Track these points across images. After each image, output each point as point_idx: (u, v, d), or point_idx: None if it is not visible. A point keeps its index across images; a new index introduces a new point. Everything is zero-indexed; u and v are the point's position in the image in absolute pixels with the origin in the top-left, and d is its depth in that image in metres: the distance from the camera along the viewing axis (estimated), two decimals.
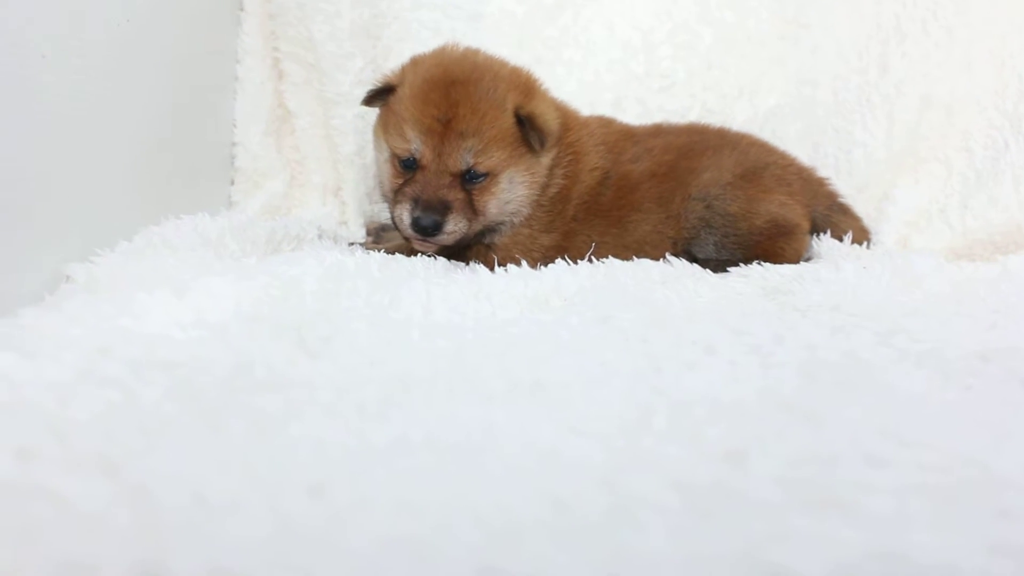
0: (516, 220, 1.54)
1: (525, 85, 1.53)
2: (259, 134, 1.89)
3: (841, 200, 1.72)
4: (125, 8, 1.40)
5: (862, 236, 1.70)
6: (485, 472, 0.61)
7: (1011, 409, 0.78)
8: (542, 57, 1.90)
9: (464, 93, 1.44)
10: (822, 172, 1.75)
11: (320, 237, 1.70)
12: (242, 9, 1.90)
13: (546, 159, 1.53)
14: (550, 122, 1.51)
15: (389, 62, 1.84)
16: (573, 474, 0.61)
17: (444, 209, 1.43)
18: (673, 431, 0.69)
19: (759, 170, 1.59)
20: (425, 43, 1.79)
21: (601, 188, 1.58)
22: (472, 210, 1.47)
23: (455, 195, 1.45)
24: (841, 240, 1.61)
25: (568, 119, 1.60)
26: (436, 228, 1.42)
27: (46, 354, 0.82)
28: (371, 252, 1.45)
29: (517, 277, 1.30)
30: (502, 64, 1.54)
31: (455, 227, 1.44)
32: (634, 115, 1.89)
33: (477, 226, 1.50)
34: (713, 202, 1.55)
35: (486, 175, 1.47)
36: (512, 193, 1.50)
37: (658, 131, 1.69)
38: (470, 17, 1.90)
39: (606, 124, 1.68)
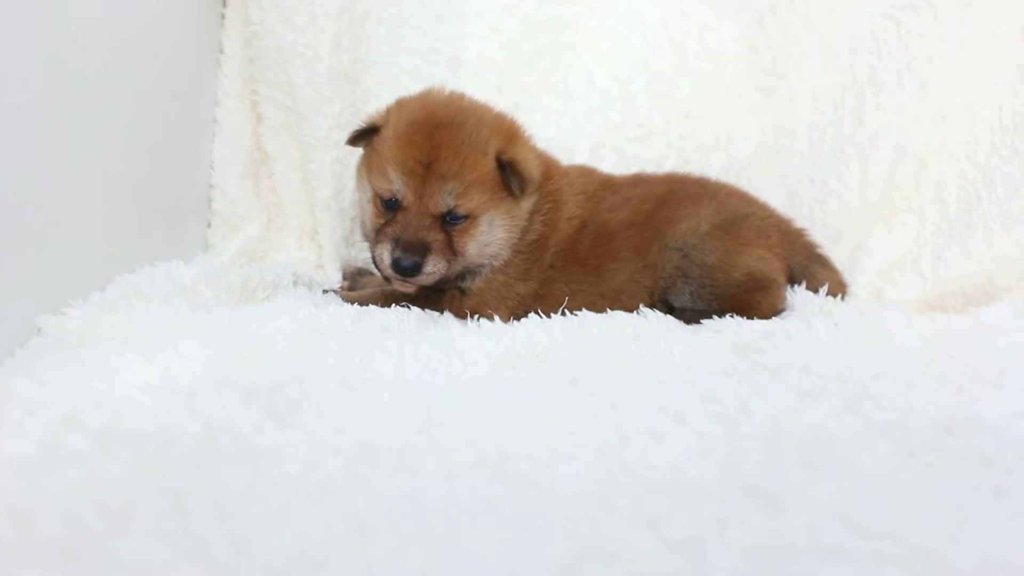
0: (495, 263, 1.55)
1: (508, 131, 1.54)
2: (237, 177, 1.89)
3: (819, 251, 1.74)
4: (103, 55, 1.41)
5: (838, 289, 1.71)
6: (447, 563, 0.62)
7: (969, 491, 0.79)
8: (520, 104, 1.92)
9: (447, 136, 1.46)
10: (798, 222, 1.76)
11: (295, 284, 1.70)
12: (222, 52, 1.91)
13: (526, 204, 1.54)
14: (531, 168, 1.53)
15: (368, 106, 1.86)
16: (535, 565, 0.61)
17: (424, 250, 1.44)
18: (635, 514, 0.70)
19: (738, 221, 1.60)
20: (404, 88, 1.80)
21: (579, 237, 1.59)
22: (452, 251, 1.48)
23: (435, 236, 1.46)
24: (817, 291, 1.62)
25: (549, 167, 1.62)
26: (416, 269, 1.44)
27: (13, 424, 0.83)
28: (345, 305, 1.46)
29: (490, 333, 1.31)
30: (486, 109, 1.56)
31: (434, 268, 1.46)
32: (611, 163, 1.91)
33: (457, 267, 1.51)
34: (690, 252, 1.56)
35: (466, 217, 1.48)
36: (492, 236, 1.52)
37: (637, 181, 1.70)
38: (449, 62, 1.92)
39: (586, 174, 1.70)
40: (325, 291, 1.66)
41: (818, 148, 1.92)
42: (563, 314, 1.45)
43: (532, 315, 1.44)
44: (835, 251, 1.83)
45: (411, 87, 1.76)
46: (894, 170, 1.89)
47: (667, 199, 1.63)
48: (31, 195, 1.22)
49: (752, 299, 1.55)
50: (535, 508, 0.72)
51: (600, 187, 1.66)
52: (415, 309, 1.50)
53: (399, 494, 0.74)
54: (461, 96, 1.58)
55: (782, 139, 1.95)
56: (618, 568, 0.61)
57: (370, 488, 0.76)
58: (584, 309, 1.49)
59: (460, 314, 1.55)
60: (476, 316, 1.50)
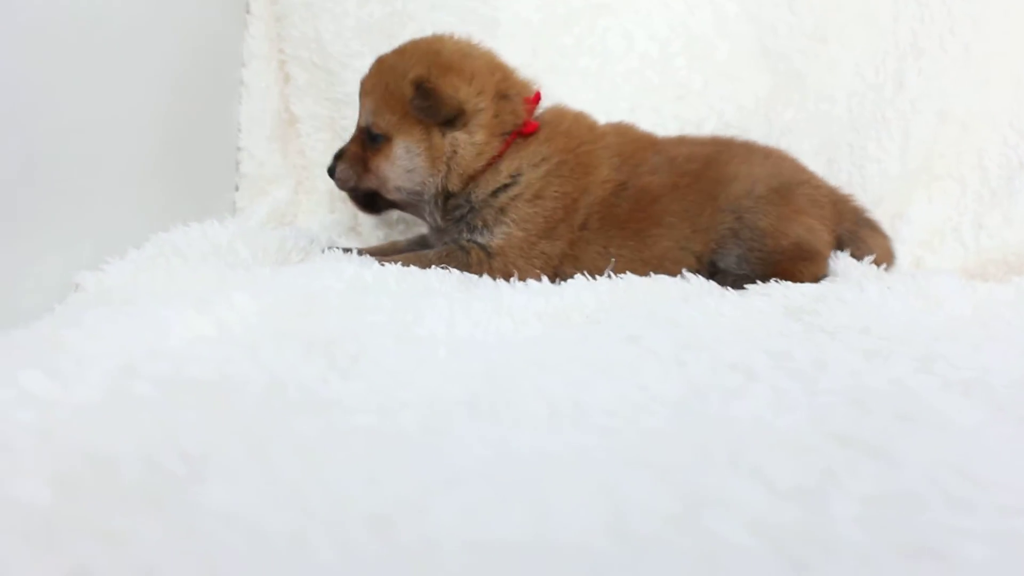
0: (426, 195, 1.57)
1: (446, 63, 1.52)
2: (264, 139, 1.86)
3: (867, 215, 1.69)
4: (136, 13, 1.37)
5: (887, 256, 1.65)
6: (552, 509, 0.58)
7: None
8: (557, 65, 1.88)
9: (386, 61, 1.57)
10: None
11: (327, 249, 1.67)
12: (248, 12, 1.87)
13: (467, 140, 1.53)
14: (453, 99, 1.49)
15: None
16: (646, 514, 0.58)
17: (339, 156, 1.60)
18: (735, 465, 0.66)
19: (792, 187, 1.56)
20: None
21: (616, 199, 1.55)
22: (364, 165, 1.57)
23: (353, 148, 1.59)
24: (862, 258, 1.58)
25: (575, 126, 1.59)
26: (331, 172, 1.60)
27: (71, 373, 0.79)
28: (386, 264, 1.42)
29: (538, 293, 1.28)
30: (458, 48, 1.58)
31: (343, 174, 1.59)
32: (649, 124, 1.84)
33: (371, 183, 1.58)
34: (744, 214, 1.52)
35: (382, 137, 1.54)
36: (410, 163, 1.54)
37: (682, 140, 1.66)
38: (486, 23, 1.88)
39: (622, 132, 1.65)
40: (360, 253, 1.62)
41: (857, 113, 1.89)
42: (608, 276, 1.41)
43: (578, 276, 1.40)
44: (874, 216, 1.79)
45: None
46: (935, 136, 1.86)
47: (715, 159, 1.58)
48: (66, 152, 1.20)
49: (795, 268, 1.50)
50: (629, 458, 0.68)
51: (640, 147, 1.61)
52: (454, 271, 1.46)
53: (484, 443, 0.70)
54: (455, 39, 1.60)
55: (823, 105, 1.91)
56: (737, 516, 0.57)
57: (452, 439, 0.72)
58: (607, 271, 1.45)
59: (491, 274, 1.52)
60: (510, 278, 1.48)
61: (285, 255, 1.55)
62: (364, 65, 1.82)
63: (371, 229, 1.92)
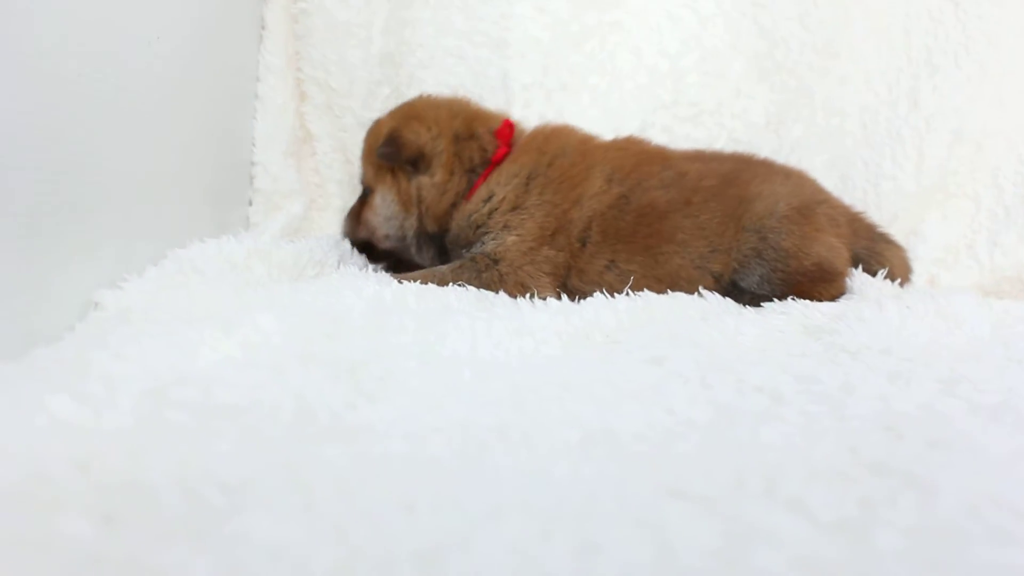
0: (408, 238, 1.69)
1: (412, 113, 1.65)
2: (280, 155, 1.86)
3: (880, 230, 1.70)
4: (155, 25, 1.37)
5: (904, 269, 1.67)
6: (597, 543, 0.58)
7: None
8: (568, 84, 1.88)
9: (377, 122, 1.72)
10: (851, 206, 1.72)
11: (340, 263, 1.67)
12: (264, 27, 1.87)
13: (429, 182, 1.63)
14: (412, 143, 1.61)
15: (412, 90, 1.83)
16: (691, 549, 0.57)
17: (347, 215, 1.77)
18: (773, 496, 0.66)
19: (813, 207, 1.55)
20: (449, 70, 1.78)
21: (617, 212, 1.56)
22: (358, 219, 1.73)
23: (355, 204, 1.75)
24: (885, 272, 1.59)
25: (545, 143, 1.64)
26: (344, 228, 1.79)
27: (101, 398, 0.79)
28: (404, 283, 1.43)
29: (557, 312, 1.27)
30: (430, 102, 1.70)
31: (343, 227, 1.78)
32: (660, 143, 1.86)
33: (363, 234, 1.74)
34: (768, 234, 1.51)
35: (368, 190, 1.71)
36: (387, 210, 1.68)
37: (698, 156, 1.66)
38: (495, 44, 1.88)
39: (624, 147, 1.66)
40: (375, 269, 1.63)
41: (871, 130, 1.89)
42: (626, 294, 1.41)
43: (596, 295, 1.41)
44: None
45: (456, 70, 1.75)
46: (950, 154, 1.86)
47: (735, 177, 1.57)
48: (84, 168, 1.19)
49: (815, 289, 1.50)
50: (666, 486, 0.68)
51: (643, 161, 1.62)
52: (471, 288, 1.47)
53: (521, 472, 0.70)
54: (436, 97, 1.72)
55: (833, 120, 1.91)
56: (782, 551, 0.57)
57: (488, 466, 0.72)
58: (625, 290, 1.46)
59: (506, 287, 1.52)
60: (526, 291, 1.49)
61: (300, 270, 1.55)
62: (384, 94, 1.85)
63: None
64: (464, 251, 1.62)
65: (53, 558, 0.53)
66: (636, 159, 1.61)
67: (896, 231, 1.84)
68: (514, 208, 1.57)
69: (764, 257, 1.51)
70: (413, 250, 1.70)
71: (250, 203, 1.86)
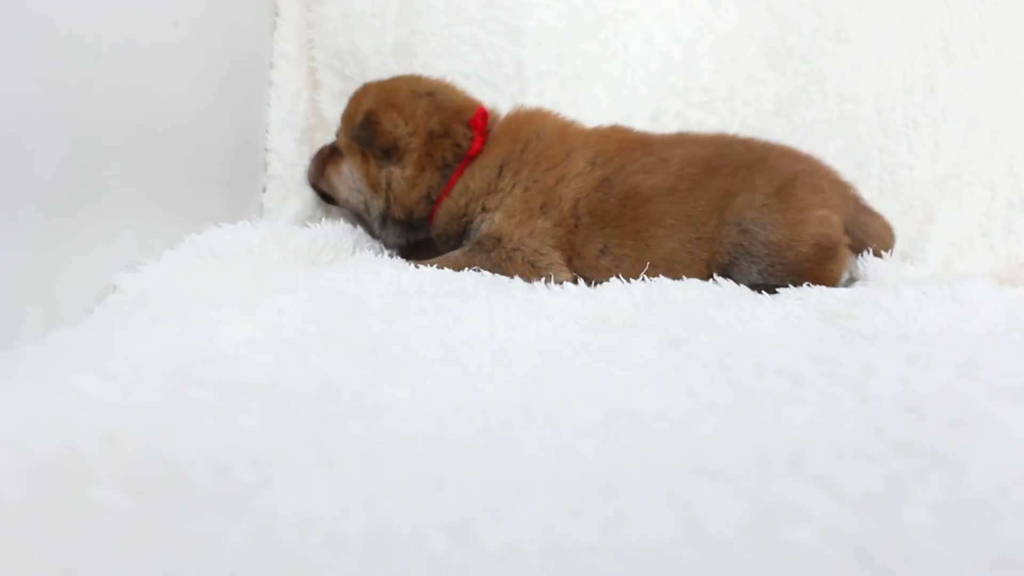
0: (371, 215, 1.73)
1: (394, 101, 1.66)
2: (293, 142, 1.85)
3: (860, 200, 1.68)
4: (170, 12, 1.37)
5: (887, 233, 1.66)
6: (627, 517, 0.58)
7: None
8: (582, 73, 1.88)
9: (365, 87, 1.74)
10: (866, 192, 1.71)
11: (355, 248, 1.67)
12: (277, 14, 1.86)
13: (399, 174, 1.66)
14: (388, 133, 1.63)
15: None
16: (721, 523, 0.58)
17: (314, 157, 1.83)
18: (799, 473, 0.66)
19: (790, 182, 1.54)
20: (463, 58, 1.78)
21: (601, 195, 1.57)
22: (322, 170, 1.80)
23: (325, 149, 1.81)
24: (865, 244, 1.60)
25: (517, 132, 1.65)
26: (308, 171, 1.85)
27: (125, 376, 0.79)
28: (421, 267, 1.43)
29: (574, 296, 1.28)
30: (414, 88, 1.69)
31: (309, 167, 1.85)
32: (673, 130, 1.85)
33: (324, 187, 1.81)
34: (750, 227, 1.51)
35: (339, 151, 1.75)
36: (353, 183, 1.73)
37: (680, 140, 1.66)
38: (509, 32, 1.87)
39: (606, 134, 1.68)
40: (391, 255, 1.64)
41: (887, 117, 1.88)
42: (643, 279, 1.41)
43: (613, 280, 1.41)
44: (904, 222, 1.80)
45: (470, 58, 1.75)
46: (965, 142, 1.85)
47: (718, 166, 1.57)
48: (103, 152, 1.19)
49: (823, 271, 1.49)
50: (692, 464, 0.68)
51: (624, 146, 1.63)
52: (486, 273, 1.47)
53: (547, 450, 0.70)
54: (422, 82, 1.74)
55: (846, 105, 1.90)
56: (811, 525, 0.57)
57: (513, 444, 0.72)
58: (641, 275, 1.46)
59: (517, 267, 1.53)
60: (538, 272, 1.52)
61: (315, 255, 1.56)
62: None
63: None
64: (454, 243, 1.66)
65: (88, 526, 0.53)
66: (617, 145, 1.63)
67: (911, 219, 1.85)
68: (488, 192, 1.61)
69: (755, 254, 1.51)
70: (376, 226, 1.73)
71: (264, 189, 1.86)
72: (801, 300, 1.34)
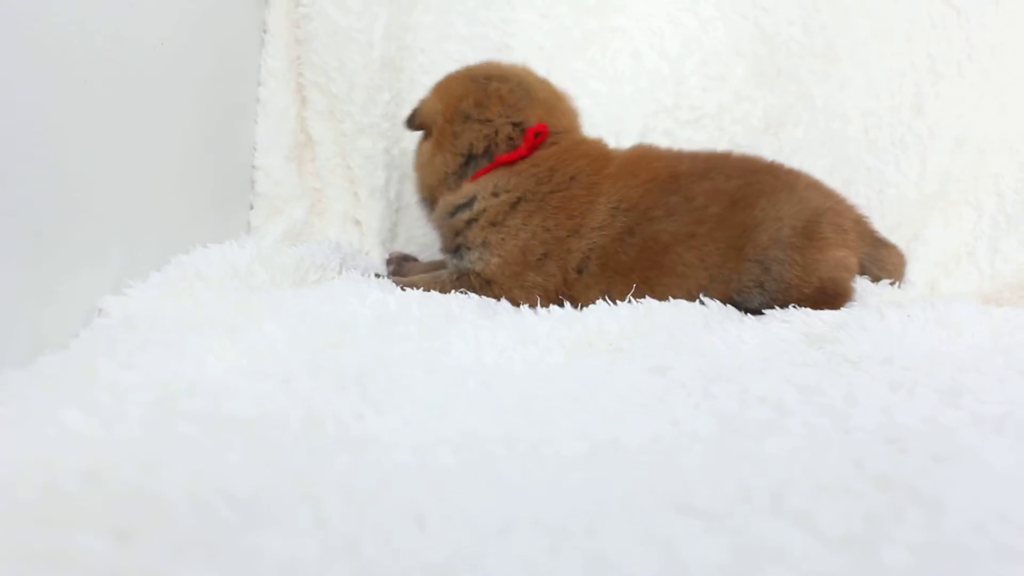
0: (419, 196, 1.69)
1: (442, 81, 1.67)
2: (281, 159, 1.86)
3: (875, 233, 1.69)
4: (158, 30, 1.38)
5: (901, 264, 1.70)
6: (608, 559, 0.59)
7: None
8: (570, 90, 1.88)
9: None
10: None
11: (343, 268, 1.67)
12: (265, 31, 1.87)
13: (425, 150, 1.65)
14: (420, 110, 1.65)
15: (413, 95, 1.83)
16: (701, 565, 0.58)
17: None
18: (780, 510, 0.67)
19: (817, 219, 1.50)
20: None
21: (619, 246, 1.50)
22: None
23: None
24: (888, 277, 1.62)
25: (554, 164, 1.56)
26: None
27: (109, 408, 0.80)
28: (407, 290, 1.44)
29: (560, 320, 1.28)
30: (466, 72, 1.67)
31: None
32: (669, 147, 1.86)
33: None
34: (772, 265, 1.47)
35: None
36: (420, 157, 1.68)
37: (708, 170, 1.55)
38: (497, 49, 1.89)
39: (632, 168, 1.57)
40: (377, 275, 1.64)
41: (874, 135, 1.89)
42: (629, 301, 1.41)
43: (600, 302, 1.39)
44: (891, 240, 1.80)
45: None
46: (952, 161, 1.87)
47: (740, 197, 1.51)
48: (88, 172, 1.20)
49: (816, 308, 1.44)
50: (673, 500, 0.69)
51: (651, 187, 1.53)
52: (473, 295, 1.48)
53: (530, 485, 0.71)
54: (478, 66, 1.69)
55: (834, 123, 1.92)
56: (790, 568, 0.58)
57: (496, 479, 0.73)
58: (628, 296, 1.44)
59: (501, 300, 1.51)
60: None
61: (302, 275, 1.56)
62: (384, 99, 1.86)
63: (381, 252, 1.93)
64: (448, 254, 1.63)
65: (73, 574, 0.54)
66: (643, 187, 1.53)
67: (898, 237, 1.85)
68: (493, 224, 1.54)
69: (765, 288, 1.48)
70: (426, 214, 1.72)
71: (251, 207, 1.86)
72: (787, 323, 1.35)
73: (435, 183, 1.63)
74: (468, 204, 1.57)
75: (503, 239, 1.53)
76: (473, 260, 1.56)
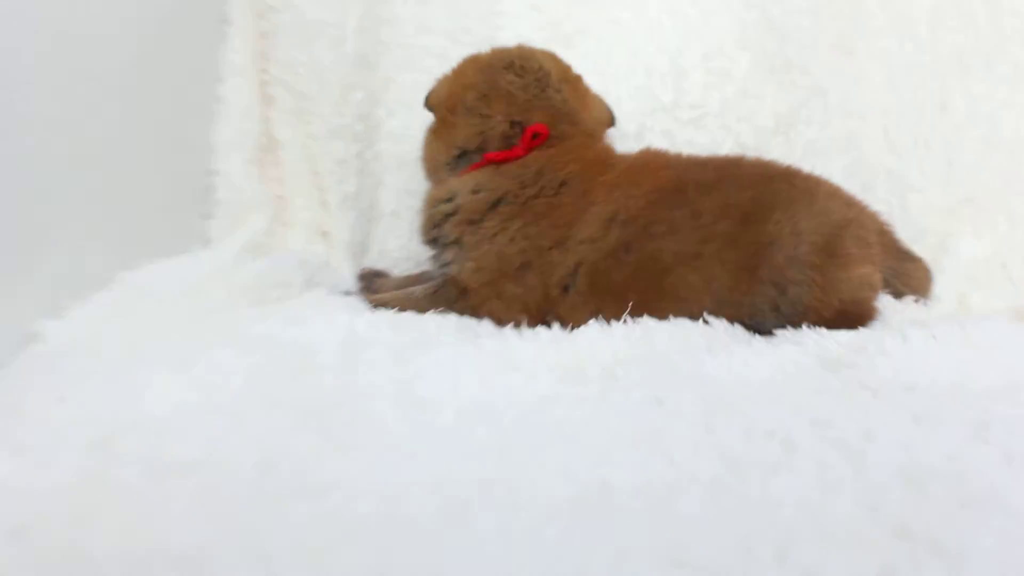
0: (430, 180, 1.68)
1: (456, 67, 1.68)
2: (243, 163, 1.85)
3: (899, 244, 1.68)
4: (105, 22, 1.37)
5: (927, 279, 1.69)
6: None
7: None
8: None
9: None
10: None
11: (308, 283, 1.66)
12: (227, 23, 1.86)
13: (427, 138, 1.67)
14: (432, 96, 1.67)
15: (388, 94, 1.83)
16: None
17: None
18: (785, 566, 0.66)
19: (839, 233, 1.46)
20: (430, 72, 1.76)
21: (613, 263, 1.48)
22: None
23: None
24: (912, 293, 1.61)
25: (543, 167, 1.55)
26: None
27: (42, 451, 0.79)
28: (378, 310, 1.43)
29: (548, 343, 1.27)
30: (478, 57, 1.68)
31: None
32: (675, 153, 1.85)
33: None
34: (788, 287, 1.44)
35: None
36: (424, 142, 1.69)
37: (718, 180, 1.52)
38: (482, 43, 1.85)
39: (634, 176, 1.55)
40: (346, 293, 1.63)
41: (895, 135, 1.88)
42: (624, 321, 1.40)
43: (592, 323, 1.38)
44: (916, 252, 1.78)
45: (438, 70, 1.73)
46: (982, 163, 1.85)
47: (753, 211, 1.47)
48: (24, 180, 1.18)
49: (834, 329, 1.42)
50: (668, 556, 0.68)
51: (655, 199, 1.50)
52: (452, 316, 1.47)
53: (508, 535, 0.70)
54: (497, 51, 1.69)
55: (850, 123, 1.90)
56: None
57: (469, 529, 0.72)
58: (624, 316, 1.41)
59: (483, 318, 1.51)
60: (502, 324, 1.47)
61: (263, 293, 1.54)
62: (357, 99, 1.84)
63: (352, 267, 1.92)
64: (428, 246, 1.63)
65: None
66: (645, 198, 1.50)
67: (923, 247, 1.83)
68: (470, 222, 1.53)
69: (781, 311, 1.44)
70: None
71: (208, 217, 1.85)
72: (799, 345, 1.33)
73: (431, 171, 1.65)
74: (449, 199, 1.56)
75: (478, 240, 1.52)
76: (448, 260, 1.55)
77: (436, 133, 1.64)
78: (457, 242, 1.54)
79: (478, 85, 1.60)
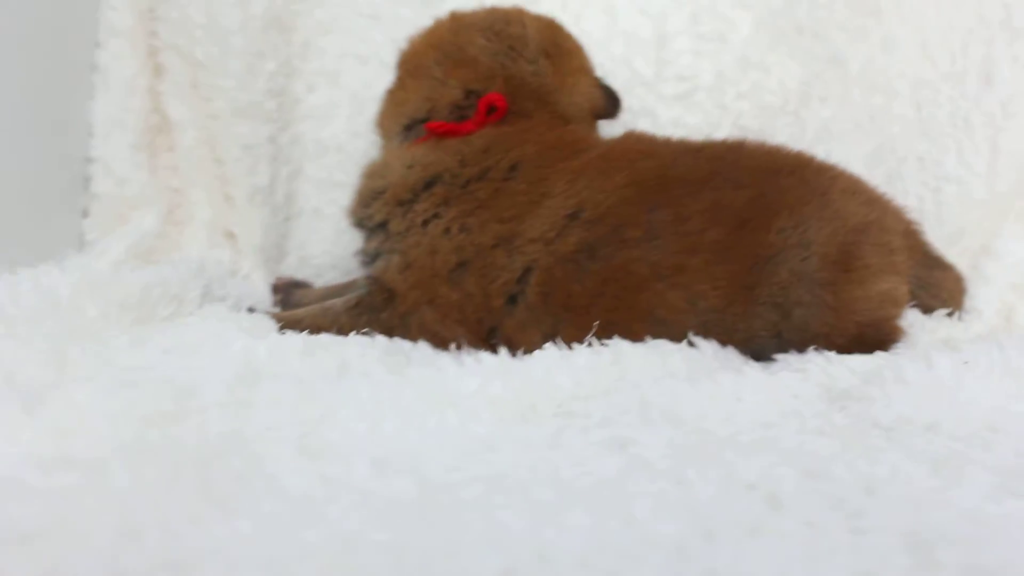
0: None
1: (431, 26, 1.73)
2: (127, 148, 1.85)
3: (928, 248, 1.69)
4: None
5: (960, 290, 1.71)
6: None
7: None
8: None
9: None
10: None
11: (205, 297, 1.66)
12: None
13: (387, 110, 1.71)
14: (400, 55, 1.72)
15: (307, 64, 1.84)
16: None
17: None
18: None
19: (857, 240, 1.46)
20: (360, 36, 1.78)
21: (573, 269, 1.47)
22: None
23: None
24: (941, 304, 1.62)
25: (491, 144, 1.56)
26: None
27: None
28: (287, 332, 1.43)
29: (494, 373, 1.27)
30: (450, 18, 1.73)
31: None
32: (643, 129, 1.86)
33: None
34: (793, 309, 1.45)
35: None
36: None
37: (712, 175, 1.50)
38: (426, 3, 1.87)
39: (607, 165, 1.54)
40: (250, 309, 1.62)
41: (929, 114, 1.89)
42: (589, 344, 1.39)
43: (549, 346, 1.38)
44: (951, 256, 1.79)
45: (371, 35, 1.74)
46: None
47: (752, 216, 1.46)
48: None
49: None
50: None
51: (631, 195, 1.49)
52: (379, 338, 1.47)
53: None
54: (464, 14, 1.72)
55: (875, 99, 1.91)
56: None
57: None
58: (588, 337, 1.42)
59: (413, 337, 1.51)
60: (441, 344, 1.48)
61: (149, 309, 1.54)
62: (268, 70, 1.84)
63: (263, 276, 1.92)
64: (357, 226, 1.64)
65: None
66: (618, 193, 1.49)
67: (961, 250, 1.85)
68: (399, 203, 1.54)
69: (784, 337, 1.45)
70: None
71: (85, 214, 1.85)
72: (802, 372, 1.34)
73: (384, 143, 1.68)
74: (383, 173, 1.59)
75: (407, 228, 1.52)
76: (372, 251, 1.57)
77: (390, 97, 1.68)
78: (383, 226, 1.55)
79: (443, 45, 1.62)
